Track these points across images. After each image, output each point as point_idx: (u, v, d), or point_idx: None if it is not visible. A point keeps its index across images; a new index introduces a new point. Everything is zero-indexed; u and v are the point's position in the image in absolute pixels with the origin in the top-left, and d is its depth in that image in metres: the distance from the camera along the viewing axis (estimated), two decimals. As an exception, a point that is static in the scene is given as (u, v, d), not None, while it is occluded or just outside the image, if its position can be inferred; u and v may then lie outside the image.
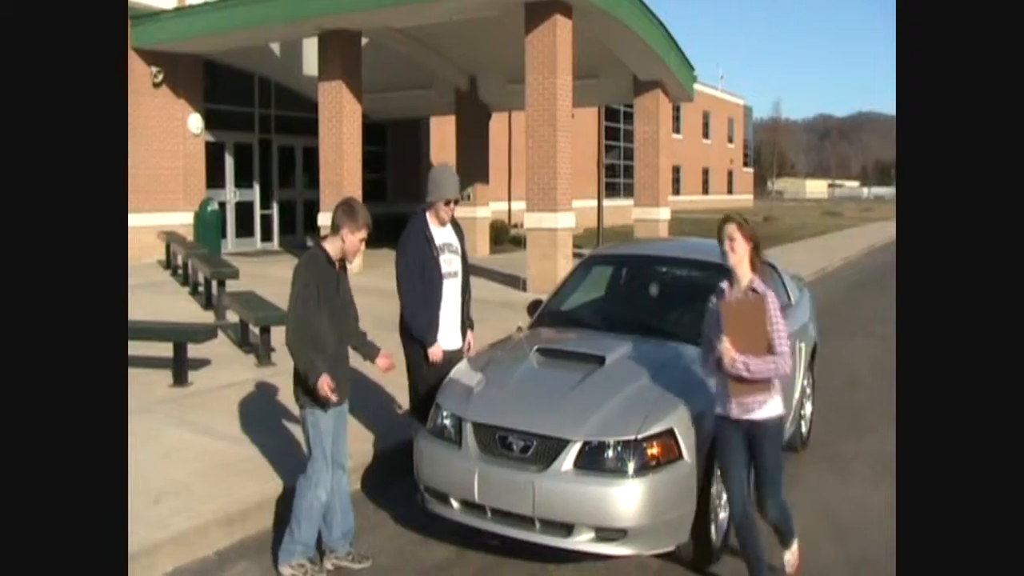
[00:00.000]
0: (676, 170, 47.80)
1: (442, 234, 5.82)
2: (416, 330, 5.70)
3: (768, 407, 4.49)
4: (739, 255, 4.50)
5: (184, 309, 12.68)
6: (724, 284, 4.63)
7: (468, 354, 5.93)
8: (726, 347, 4.39)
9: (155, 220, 18.67)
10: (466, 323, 5.99)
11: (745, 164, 68.21)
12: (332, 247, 4.86)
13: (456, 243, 5.90)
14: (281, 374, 8.70)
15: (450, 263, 5.82)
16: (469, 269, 6.10)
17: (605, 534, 4.61)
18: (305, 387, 4.80)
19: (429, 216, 5.81)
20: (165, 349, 8.58)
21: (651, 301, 6.58)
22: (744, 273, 4.53)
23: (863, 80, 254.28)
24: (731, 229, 4.50)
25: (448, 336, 5.81)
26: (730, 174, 63.08)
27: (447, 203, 5.76)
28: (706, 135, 57.32)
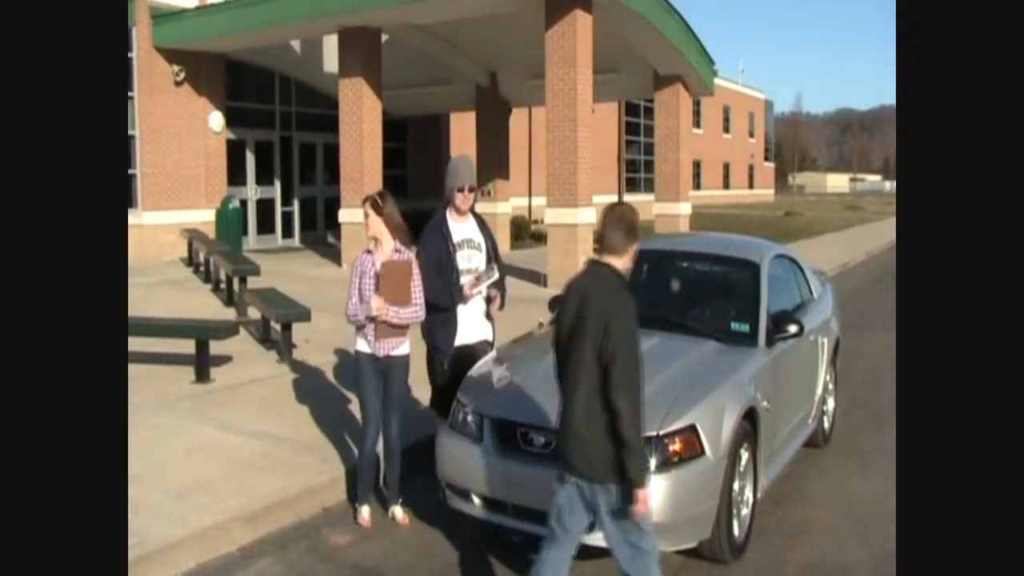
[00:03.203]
0: (696, 165, 47.57)
1: (462, 230, 5.77)
2: (428, 325, 5.69)
3: (403, 346, 5.53)
4: (374, 228, 5.44)
5: (206, 306, 12.76)
6: (371, 247, 5.51)
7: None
8: (380, 301, 5.28)
9: (177, 218, 18.80)
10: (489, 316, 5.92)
11: (766, 159, 67.84)
12: (624, 265, 4.00)
13: (479, 239, 5.82)
14: (302, 370, 8.74)
15: (470, 259, 5.75)
16: (502, 265, 5.89)
17: (627, 530, 4.58)
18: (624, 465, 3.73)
19: (448, 211, 5.78)
20: (187, 346, 8.63)
21: (672, 296, 6.55)
22: (387, 240, 5.46)
23: (885, 73, 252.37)
24: (365, 208, 5.47)
25: (470, 331, 5.77)
26: (751, 169, 62.76)
27: (461, 190, 5.70)
28: (727, 130, 57.03)
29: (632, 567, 3.86)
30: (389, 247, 5.47)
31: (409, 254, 5.53)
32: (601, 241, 4.00)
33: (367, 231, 5.49)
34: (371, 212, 5.43)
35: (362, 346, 5.51)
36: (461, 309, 5.69)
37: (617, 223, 3.95)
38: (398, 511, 5.62)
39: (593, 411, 3.77)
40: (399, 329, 5.45)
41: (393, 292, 5.32)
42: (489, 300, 5.85)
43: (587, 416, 3.78)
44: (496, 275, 5.76)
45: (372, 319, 5.36)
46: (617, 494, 3.75)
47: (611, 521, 3.82)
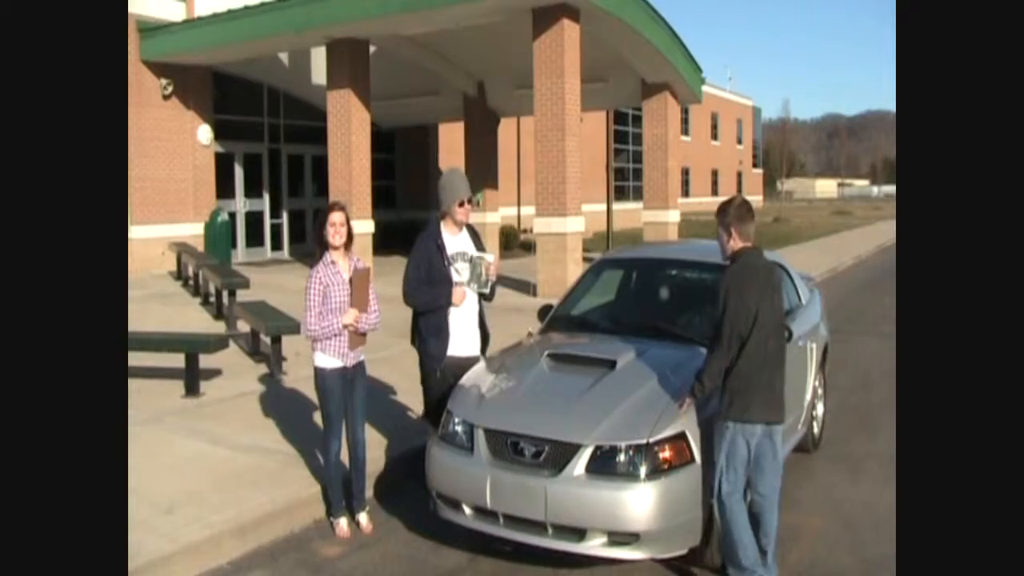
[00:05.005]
0: (685, 172, 47.66)
1: (456, 242, 5.75)
2: (422, 333, 5.69)
3: (362, 351, 5.66)
4: (344, 237, 5.48)
5: (195, 319, 12.73)
6: (328, 259, 5.50)
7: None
8: (355, 310, 5.42)
9: (166, 231, 18.75)
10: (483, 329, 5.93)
11: (754, 165, 68.00)
12: None
13: (471, 252, 5.82)
14: (293, 383, 8.73)
15: (463, 272, 5.76)
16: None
17: (618, 538, 4.59)
18: None
19: (443, 224, 5.77)
20: (177, 360, 8.61)
21: (661, 304, 6.57)
22: (346, 251, 5.55)
23: (871, 78, 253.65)
24: (339, 215, 5.49)
25: (463, 343, 5.76)
26: (739, 175, 62.89)
27: (461, 204, 5.70)
28: (715, 136, 57.17)
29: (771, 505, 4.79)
30: (351, 258, 5.59)
31: (365, 262, 5.70)
32: (740, 230, 4.72)
33: (337, 239, 5.46)
34: (345, 223, 5.51)
35: (327, 361, 5.52)
36: (453, 318, 5.68)
37: (749, 212, 4.75)
38: (363, 518, 5.66)
39: (782, 370, 4.69)
40: (364, 336, 5.60)
41: (361, 300, 5.50)
42: (487, 291, 5.89)
43: (781, 374, 4.69)
44: (490, 257, 5.85)
45: (346, 327, 5.44)
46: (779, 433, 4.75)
47: (777, 457, 4.79)
